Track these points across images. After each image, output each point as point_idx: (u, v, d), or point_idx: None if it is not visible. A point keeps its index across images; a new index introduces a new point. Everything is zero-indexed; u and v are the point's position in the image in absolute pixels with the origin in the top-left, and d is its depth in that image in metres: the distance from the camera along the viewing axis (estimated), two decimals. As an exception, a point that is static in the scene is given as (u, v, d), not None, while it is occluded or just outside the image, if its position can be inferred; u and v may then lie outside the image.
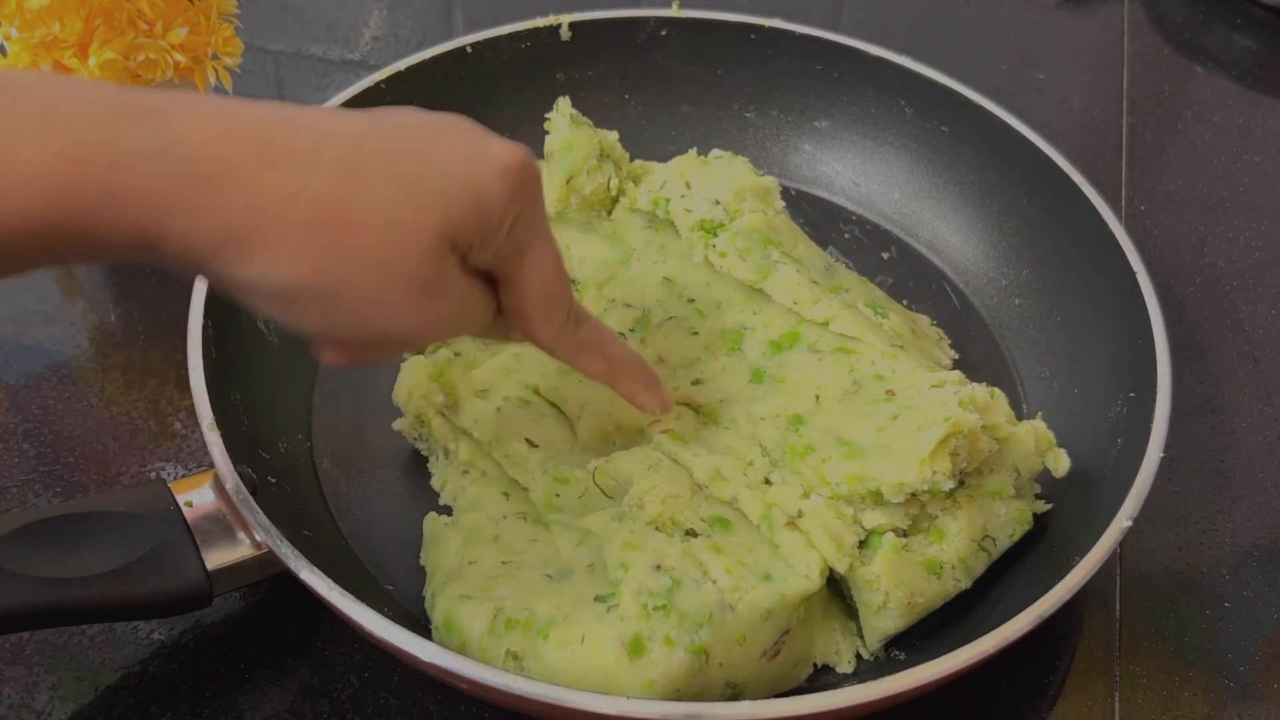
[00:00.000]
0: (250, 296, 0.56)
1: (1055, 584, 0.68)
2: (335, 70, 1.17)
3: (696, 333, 0.85)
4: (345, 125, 0.56)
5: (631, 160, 0.94)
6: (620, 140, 0.92)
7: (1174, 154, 1.14)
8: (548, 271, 0.65)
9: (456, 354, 0.84)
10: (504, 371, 0.82)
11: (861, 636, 0.76)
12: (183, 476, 0.78)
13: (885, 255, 1.01)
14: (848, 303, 0.86)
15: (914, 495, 0.73)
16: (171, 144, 0.51)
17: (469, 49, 0.99)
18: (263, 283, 0.55)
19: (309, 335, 0.60)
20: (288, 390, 0.85)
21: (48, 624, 0.68)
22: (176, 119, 0.52)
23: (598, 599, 0.69)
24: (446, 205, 0.57)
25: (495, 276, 0.63)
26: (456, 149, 0.59)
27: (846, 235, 1.02)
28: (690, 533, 0.74)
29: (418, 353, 0.86)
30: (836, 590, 0.76)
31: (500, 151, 0.60)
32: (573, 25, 1.01)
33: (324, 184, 0.54)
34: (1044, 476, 0.79)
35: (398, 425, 0.83)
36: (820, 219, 1.03)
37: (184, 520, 0.70)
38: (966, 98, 0.97)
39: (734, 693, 0.70)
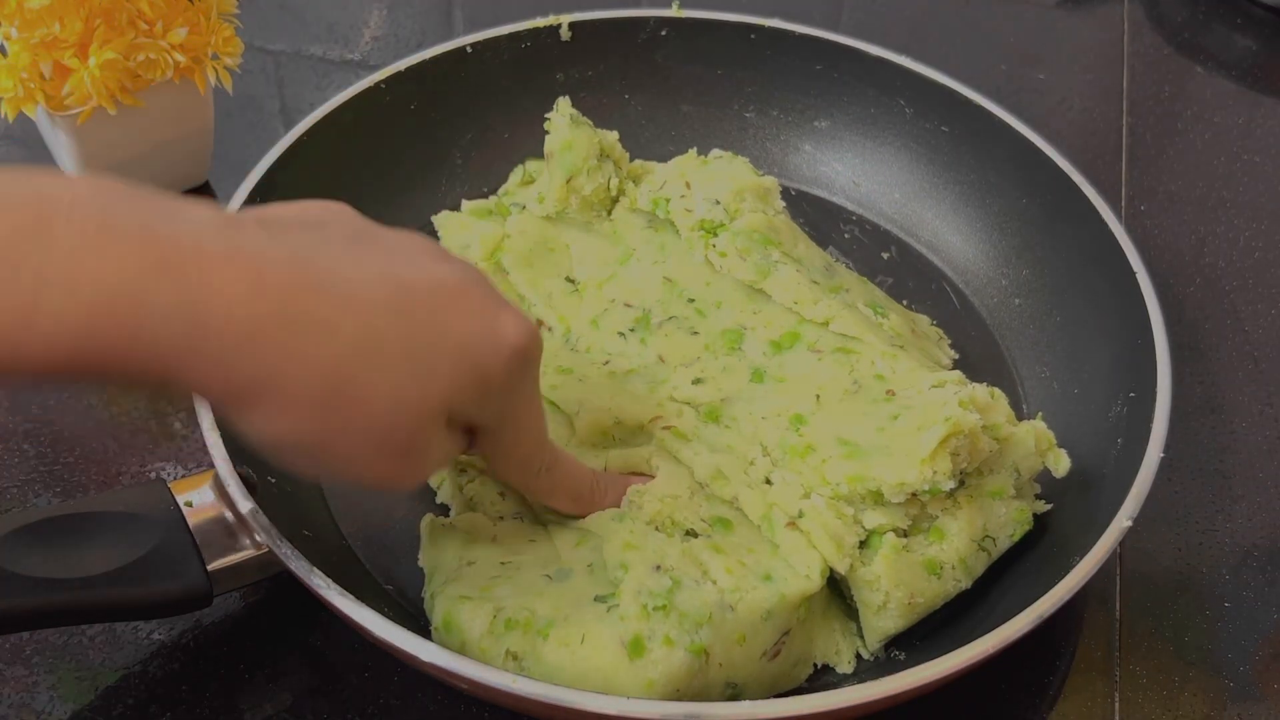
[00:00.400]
0: (247, 432, 0.57)
1: (1055, 584, 0.68)
2: (335, 70, 1.17)
3: (697, 332, 0.85)
4: (368, 293, 0.56)
5: (631, 160, 0.94)
6: (620, 140, 0.92)
7: (1174, 154, 1.14)
8: (531, 437, 0.68)
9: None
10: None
11: (862, 636, 0.76)
12: (183, 476, 0.78)
13: (885, 255, 1.01)
14: (848, 303, 0.85)
15: (914, 495, 0.73)
16: (197, 300, 0.51)
17: (469, 49, 0.99)
18: (262, 432, 0.56)
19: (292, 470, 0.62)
20: (288, 390, 0.85)
21: (47, 624, 0.68)
22: (206, 269, 0.51)
23: (597, 599, 0.69)
24: (452, 383, 0.59)
25: (475, 427, 0.65)
26: (470, 324, 0.60)
27: (846, 235, 1.02)
28: (690, 533, 0.74)
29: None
30: (837, 590, 0.76)
31: (510, 330, 0.61)
32: (573, 25, 1.01)
33: (337, 356, 0.55)
34: (1044, 476, 0.79)
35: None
36: (820, 219, 1.03)
37: (184, 520, 0.70)
38: (966, 98, 0.97)
39: (734, 693, 0.70)
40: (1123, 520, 0.71)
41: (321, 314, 0.54)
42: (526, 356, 0.63)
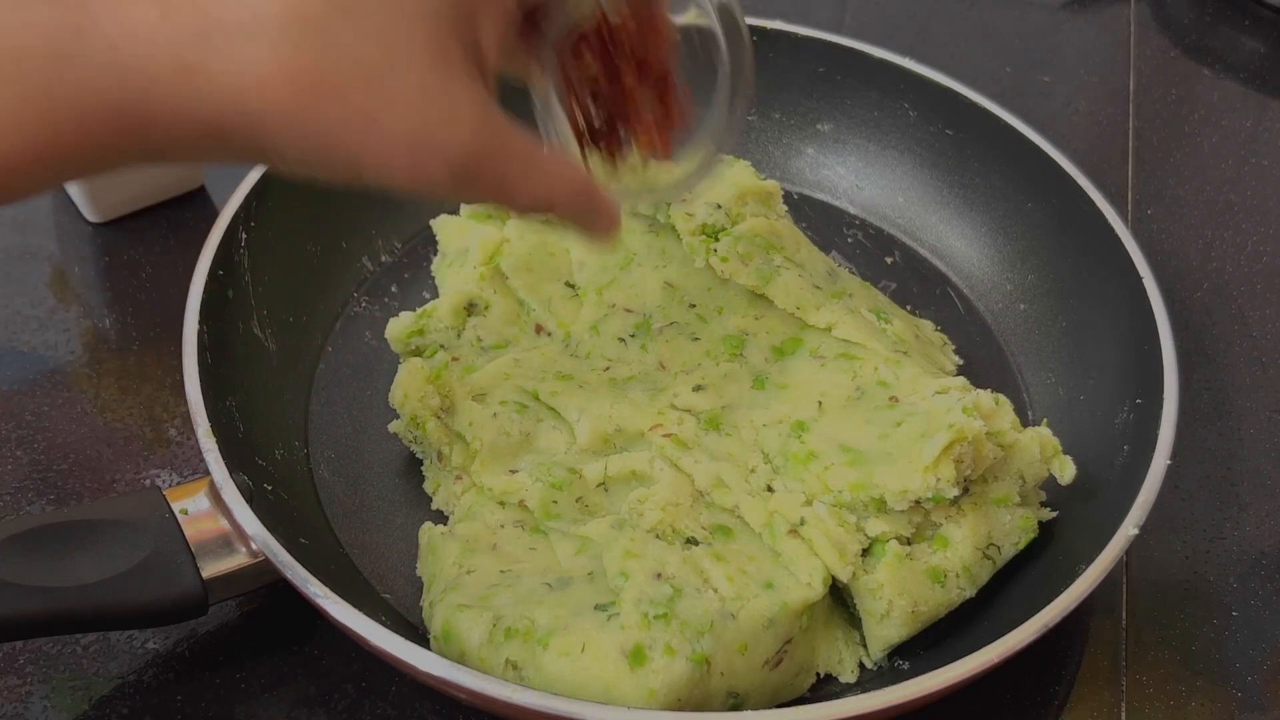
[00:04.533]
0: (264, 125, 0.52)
1: (1061, 593, 0.68)
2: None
3: (698, 338, 0.85)
4: None
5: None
6: (621, 143, 0.92)
7: (1181, 157, 1.14)
8: None
9: (455, 358, 0.83)
10: (502, 376, 0.82)
11: (865, 645, 0.75)
12: (178, 484, 0.78)
13: (889, 260, 1.00)
14: (851, 308, 0.85)
15: (918, 503, 0.73)
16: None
17: (469, 51, 0.98)
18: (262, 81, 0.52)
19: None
20: (284, 397, 0.85)
21: (41, 633, 0.67)
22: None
23: (598, 608, 0.69)
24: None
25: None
26: None
27: (849, 240, 1.02)
28: (691, 540, 0.73)
29: (414, 352, 0.86)
30: (839, 599, 0.76)
31: None
32: (574, 28, 1.01)
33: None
34: (1049, 484, 0.78)
35: (393, 427, 0.82)
36: (823, 223, 1.02)
37: (179, 528, 0.69)
38: (971, 100, 0.97)
39: (736, 702, 0.69)
40: (1129, 528, 0.71)
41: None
42: None
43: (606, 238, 0.65)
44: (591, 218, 0.63)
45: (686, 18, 0.67)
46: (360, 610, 0.65)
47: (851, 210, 1.04)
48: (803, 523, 0.73)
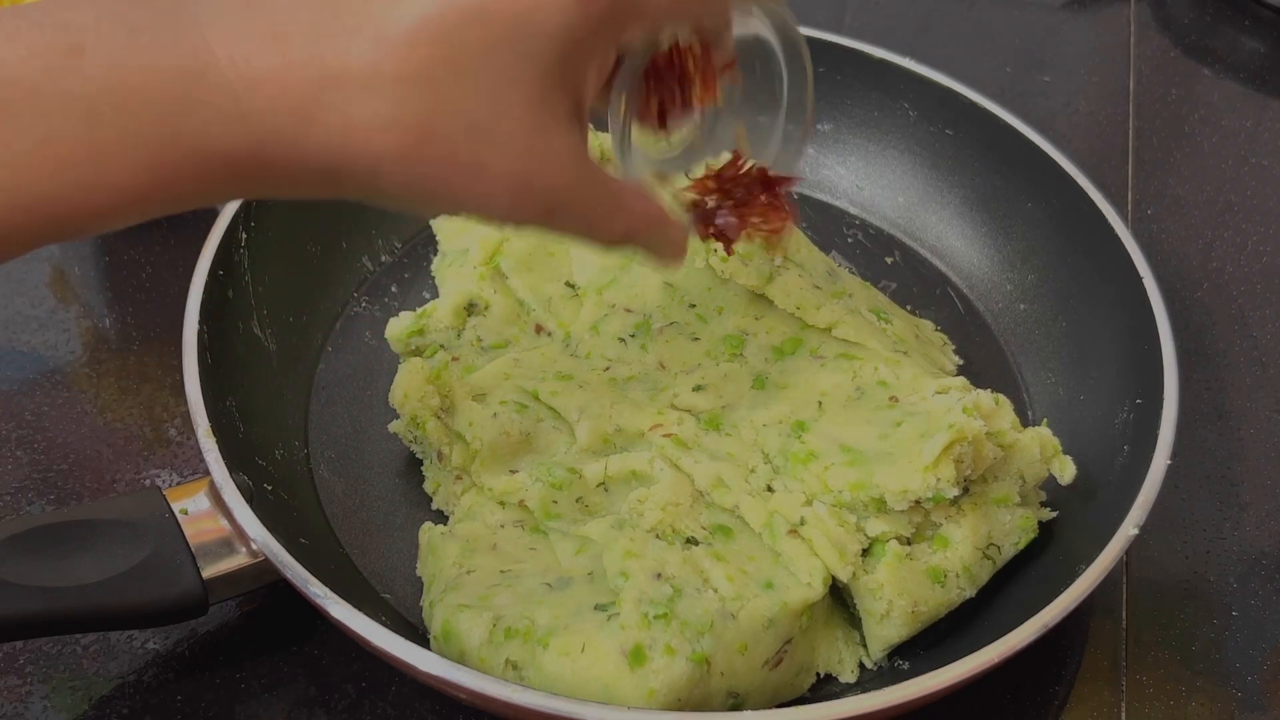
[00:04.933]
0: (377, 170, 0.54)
1: (1061, 593, 0.68)
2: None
3: (698, 338, 0.84)
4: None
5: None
6: (621, 144, 0.92)
7: (1181, 157, 1.14)
8: None
9: (455, 358, 0.83)
10: (502, 376, 0.82)
11: (865, 645, 0.75)
12: (178, 484, 0.78)
13: (889, 260, 1.00)
14: (851, 308, 0.85)
15: (918, 503, 0.73)
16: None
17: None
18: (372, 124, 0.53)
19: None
20: (284, 397, 0.85)
21: (41, 633, 0.67)
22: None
23: (598, 608, 0.69)
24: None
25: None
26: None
27: (849, 240, 1.02)
28: (691, 540, 0.73)
29: (414, 352, 0.86)
30: (839, 599, 0.76)
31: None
32: (574, 28, 1.01)
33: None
34: (1049, 484, 0.78)
35: (393, 427, 0.82)
36: (823, 223, 1.02)
37: (179, 528, 0.69)
38: (971, 100, 0.97)
39: (736, 702, 0.69)
40: (1129, 528, 0.71)
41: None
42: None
43: (676, 263, 0.69)
44: (665, 246, 0.67)
45: (748, 28, 0.70)
46: (360, 610, 0.65)
47: (851, 210, 1.04)
48: (803, 523, 0.73)
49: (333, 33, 0.52)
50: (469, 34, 0.53)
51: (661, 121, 0.68)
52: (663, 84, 0.67)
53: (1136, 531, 0.71)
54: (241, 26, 0.51)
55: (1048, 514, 0.78)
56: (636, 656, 0.65)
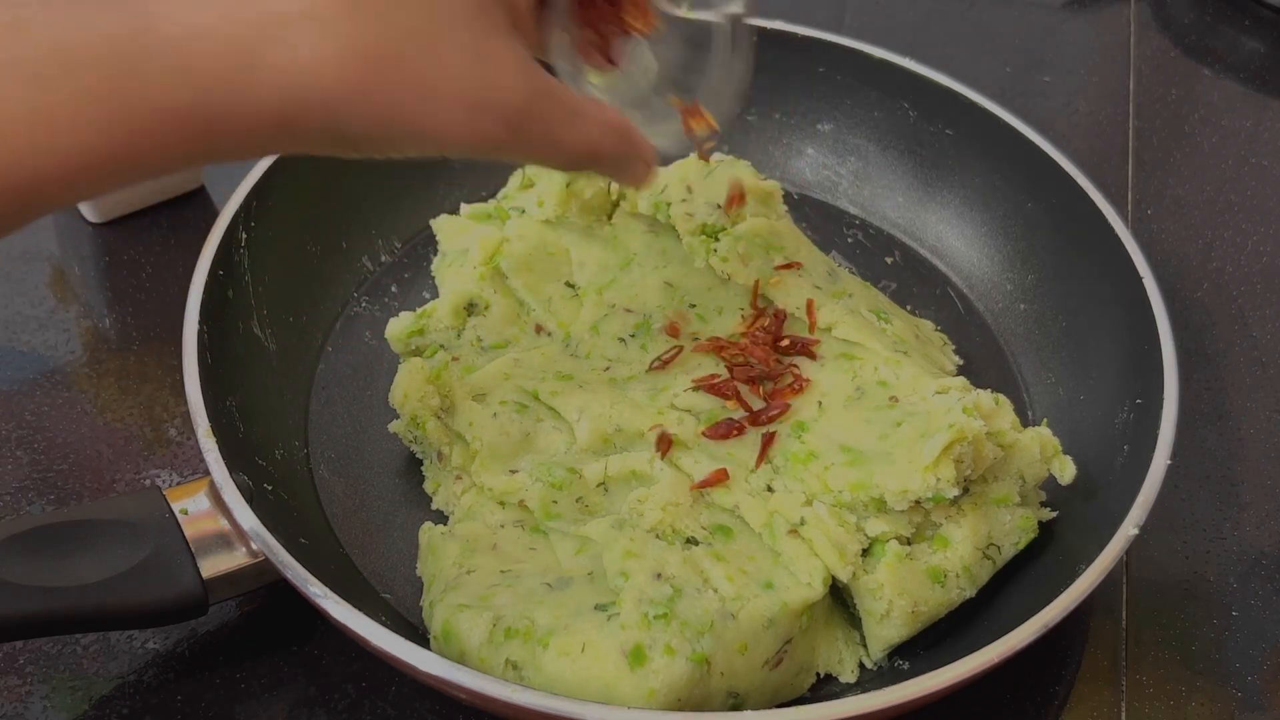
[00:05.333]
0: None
1: (1061, 593, 0.68)
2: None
3: (698, 338, 0.84)
4: None
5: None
6: (622, 143, 0.92)
7: (1181, 157, 1.14)
8: None
9: (455, 358, 0.83)
10: (502, 376, 0.81)
11: (865, 645, 0.75)
12: (178, 484, 0.78)
13: (889, 260, 1.00)
14: (851, 308, 0.85)
15: (918, 503, 0.73)
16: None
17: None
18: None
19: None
20: (284, 397, 0.85)
21: (41, 633, 0.67)
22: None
23: (598, 608, 0.69)
24: None
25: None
26: None
27: (849, 240, 1.02)
28: (691, 540, 0.73)
29: (414, 352, 0.86)
30: (839, 599, 0.76)
31: None
32: (574, 28, 1.01)
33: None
34: (1049, 484, 0.78)
35: (393, 427, 0.82)
36: (823, 223, 1.02)
37: (179, 528, 0.69)
38: (971, 100, 0.97)
39: (736, 702, 0.69)
40: (1129, 528, 0.71)
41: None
42: None
43: (645, 181, 0.67)
44: (633, 162, 0.66)
45: (688, 11, 0.69)
46: (360, 610, 0.65)
47: (851, 210, 1.04)
48: (803, 523, 0.73)
49: None
50: None
51: (605, 56, 0.67)
52: (597, 13, 0.66)
53: (1136, 531, 0.71)
54: None
55: (1048, 514, 0.78)
56: (636, 656, 0.65)
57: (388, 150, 0.57)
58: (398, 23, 0.53)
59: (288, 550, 0.67)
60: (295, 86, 0.52)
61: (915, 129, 1.01)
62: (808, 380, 0.80)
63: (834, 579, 0.72)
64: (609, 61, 0.68)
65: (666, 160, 0.79)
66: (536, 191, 0.93)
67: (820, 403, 0.79)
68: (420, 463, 0.83)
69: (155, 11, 0.51)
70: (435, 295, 0.91)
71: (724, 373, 0.81)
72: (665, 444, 0.77)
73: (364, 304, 0.93)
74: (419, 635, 0.74)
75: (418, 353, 0.86)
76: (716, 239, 0.87)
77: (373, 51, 0.52)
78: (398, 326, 0.86)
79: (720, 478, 0.76)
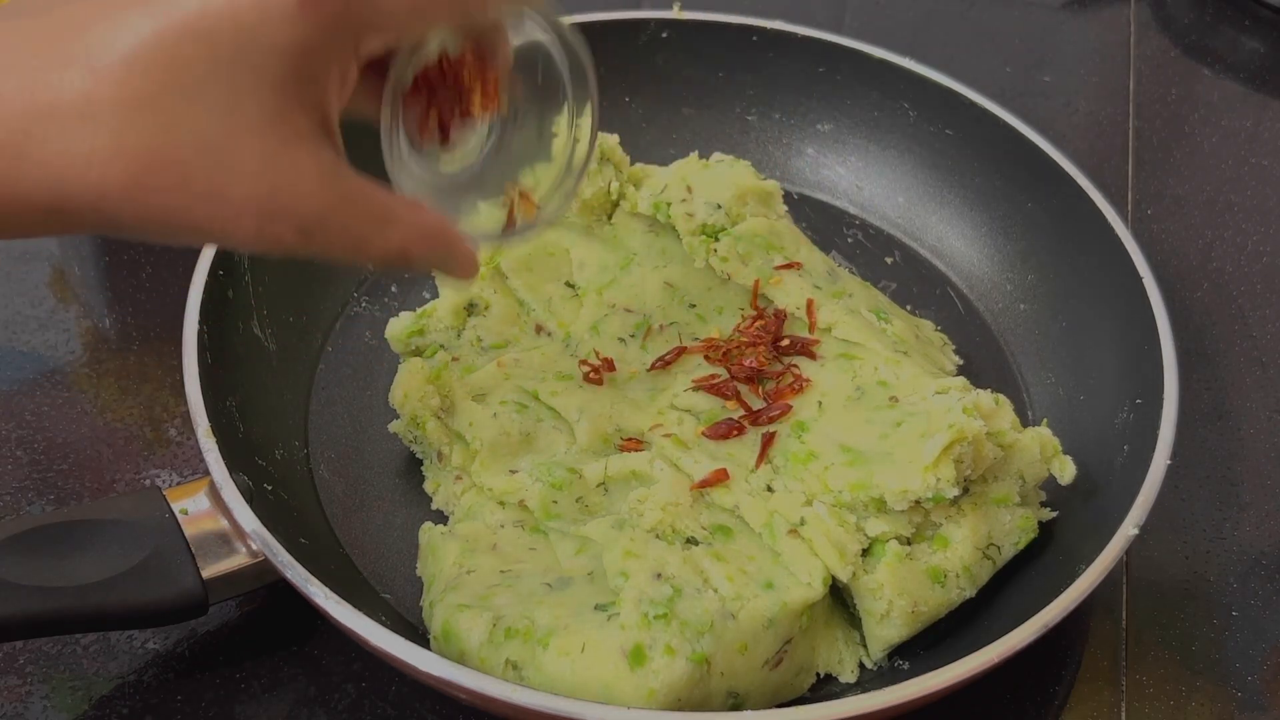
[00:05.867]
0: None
1: (1061, 593, 0.68)
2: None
3: (698, 338, 0.84)
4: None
5: (632, 164, 0.93)
6: (621, 143, 0.92)
7: (1181, 157, 1.14)
8: None
9: (455, 358, 0.83)
10: (502, 376, 0.81)
11: (865, 645, 0.75)
12: (178, 484, 0.78)
13: (889, 260, 1.00)
14: (851, 308, 0.85)
15: (918, 503, 0.73)
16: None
17: (469, 51, 0.98)
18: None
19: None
20: (284, 397, 0.85)
21: (41, 633, 0.67)
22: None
23: (598, 608, 0.69)
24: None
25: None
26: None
27: (849, 240, 1.02)
28: (691, 540, 0.73)
29: (414, 352, 0.86)
30: (839, 599, 0.76)
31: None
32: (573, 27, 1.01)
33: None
34: (1049, 484, 0.78)
35: (393, 427, 0.82)
36: (823, 223, 1.02)
37: (179, 528, 0.69)
38: (971, 100, 0.97)
39: (736, 702, 0.69)
40: (1129, 528, 0.71)
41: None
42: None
43: (466, 279, 0.65)
44: (450, 261, 0.63)
45: (521, 37, 0.67)
46: (360, 610, 0.65)
47: (851, 210, 1.04)
48: (803, 523, 0.73)
49: (46, 65, 0.49)
50: (191, 51, 0.50)
51: (444, 135, 0.65)
52: (439, 95, 0.64)
53: (1136, 531, 0.71)
54: None
55: (1048, 514, 0.78)
56: (636, 656, 0.65)
57: (167, 242, 0.55)
58: (185, 128, 0.51)
59: (288, 550, 0.67)
60: (62, 181, 0.50)
61: (915, 129, 1.01)
62: (808, 380, 0.80)
63: (834, 579, 0.72)
64: (445, 140, 0.65)
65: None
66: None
67: (820, 403, 0.79)
68: (420, 463, 0.83)
69: None
70: (435, 295, 0.91)
71: (724, 373, 0.82)
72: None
73: (364, 304, 0.93)
74: (419, 635, 0.74)
75: (418, 353, 0.86)
76: (716, 239, 0.87)
77: (151, 156, 0.50)
78: (398, 326, 0.86)
79: (720, 478, 0.75)
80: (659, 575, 0.70)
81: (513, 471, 0.78)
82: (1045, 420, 0.81)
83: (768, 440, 0.77)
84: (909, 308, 0.95)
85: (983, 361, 0.93)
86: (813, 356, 0.82)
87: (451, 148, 0.66)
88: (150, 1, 0.50)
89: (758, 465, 0.76)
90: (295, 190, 0.54)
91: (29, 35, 0.51)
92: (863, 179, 1.04)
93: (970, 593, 0.75)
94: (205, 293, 0.79)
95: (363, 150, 0.60)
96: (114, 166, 0.50)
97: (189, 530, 0.69)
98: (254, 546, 0.69)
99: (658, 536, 0.73)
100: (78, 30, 0.50)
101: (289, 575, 0.67)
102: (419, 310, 0.87)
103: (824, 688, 0.74)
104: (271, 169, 0.53)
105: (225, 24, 0.51)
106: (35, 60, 0.50)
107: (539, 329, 0.87)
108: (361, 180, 0.57)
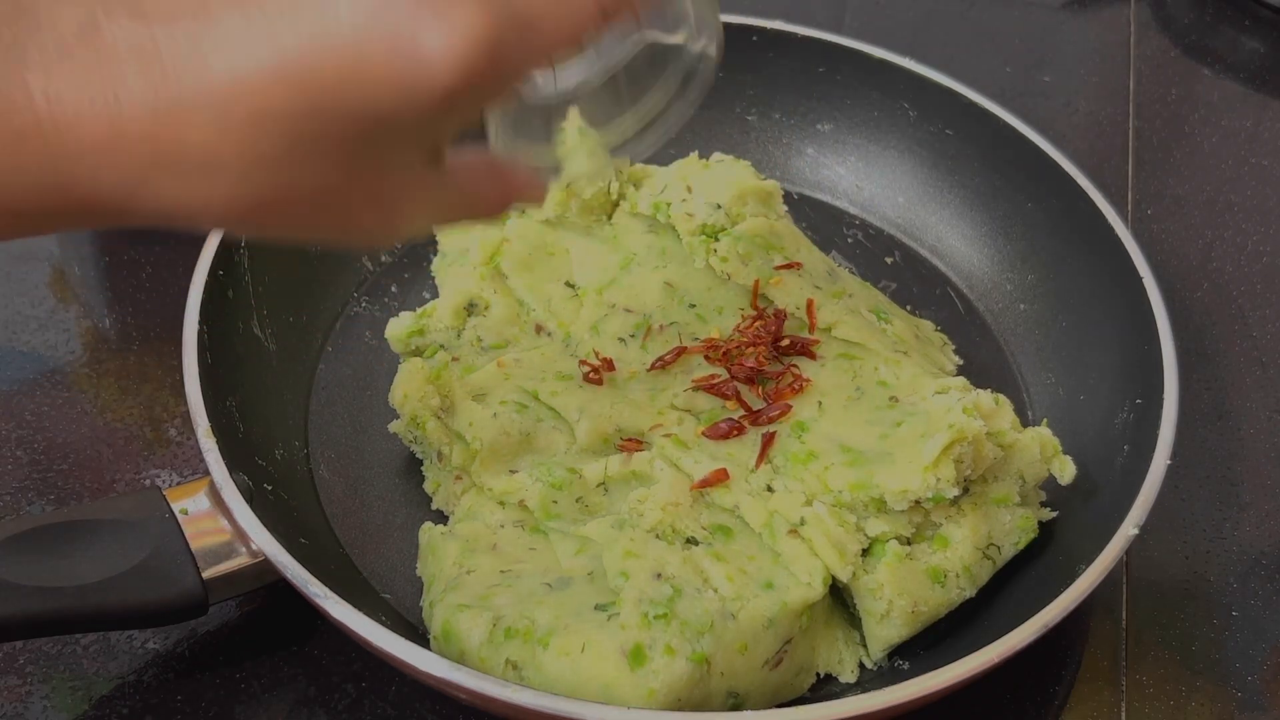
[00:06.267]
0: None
1: (1061, 593, 0.68)
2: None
3: (698, 338, 0.84)
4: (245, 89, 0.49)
5: (632, 164, 0.93)
6: (621, 143, 0.92)
7: (1181, 157, 1.14)
8: None
9: (455, 358, 0.83)
10: (502, 376, 0.81)
11: (865, 645, 0.75)
12: (178, 484, 0.78)
13: (889, 260, 1.00)
14: (851, 308, 0.85)
15: (918, 503, 0.73)
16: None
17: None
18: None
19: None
20: (284, 397, 0.85)
21: (41, 633, 0.67)
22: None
23: (598, 608, 0.69)
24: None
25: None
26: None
27: (849, 240, 1.02)
28: (691, 540, 0.73)
29: (414, 352, 0.86)
30: (839, 599, 0.76)
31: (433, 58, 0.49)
32: (573, 27, 1.00)
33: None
34: (1049, 484, 0.78)
35: (393, 427, 0.82)
36: (823, 223, 1.02)
37: (179, 528, 0.69)
38: (971, 100, 0.97)
39: (736, 702, 0.69)
40: (1129, 528, 0.71)
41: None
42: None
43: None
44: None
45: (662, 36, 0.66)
46: (360, 610, 0.65)
47: (851, 210, 1.04)
48: (803, 523, 0.73)
49: (170, 103, 0.47)
50: (323, 127, 0.49)
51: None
52: None
53: (1136, 531, 0.71)
54: (73, 78, 0.47)
55: (1048, 514, 0.78)
56: (636, 656, 0.65)
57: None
58: (301, 186, 0.50)
59: (288, 550, 0.67)
60: (172, 213, 0.50)
61: (915, 129, 1.01)
62: (808, 380, 0.80)
63: (834, 579, 0.72)
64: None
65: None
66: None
67: (820, 403, 0.79)
68: (420, 463, 0.83)
69: (38, 105, 0.47)
70: (435, 295, 0.91)
71: (724, 373, 0.82)
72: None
73: (364, 304, 0.93)
74: (419, 635, 0.74)
75: (418, 353, 0.86)
76: (716, 239, 0.87)
77: (266, 203, 0.51)
78: (398, 326, 0.86)
79: (720, 478, 0.75)
80: (659, 575, 0.70)
81: (513, 471, 0.78)
82: (1045, 420, 0.81)
83: (768, 440, 0.77)
84: (909, 308, 0.95)
85: (983, 361, 0.93)
86: (813, 356, 0.82)
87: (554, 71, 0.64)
88: (284, 65, 0.48)
89: (758, 465, 0.76)
90: (409, 224, 0.56)
91: (159, 46, 0.48)
92: (863, 179, 1.04)
93: (970, 593, 0.75)
94: (205, 293, 0.79)
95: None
96: (231, 210, 0.51)
97: (189, 530, 0.69)
98: (254, 546, 0.69)
99: (658, 536, 0.73)
100: (202, 63, 0.48)
101: (289, 575, 0.67)
102: (419, 310, 0.87)
103: (824, 688, 0.74)
104: (386, 214, 0.54)
105: (362, 107, 0.49)
106: (160, 91, 0.48)
107: (539, 329, 0.87)
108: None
